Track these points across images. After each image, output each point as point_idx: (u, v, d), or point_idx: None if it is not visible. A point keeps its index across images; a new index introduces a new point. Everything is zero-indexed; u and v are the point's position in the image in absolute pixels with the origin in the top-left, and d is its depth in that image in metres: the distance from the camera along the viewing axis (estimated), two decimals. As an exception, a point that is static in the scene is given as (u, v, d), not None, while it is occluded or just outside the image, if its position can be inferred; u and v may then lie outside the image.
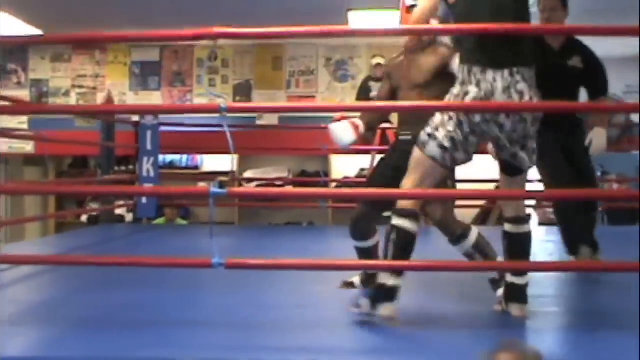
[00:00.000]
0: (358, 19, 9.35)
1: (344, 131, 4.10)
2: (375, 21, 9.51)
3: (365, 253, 4.32)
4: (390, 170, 4.05)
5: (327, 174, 10.40)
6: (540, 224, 10.31)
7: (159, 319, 3.59)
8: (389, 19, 9.38)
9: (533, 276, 4.09)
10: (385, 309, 3.45)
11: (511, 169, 3.57)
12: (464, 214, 9.79)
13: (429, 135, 3.47)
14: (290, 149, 9.83)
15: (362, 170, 10.15)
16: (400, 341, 3.32)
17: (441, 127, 3.45)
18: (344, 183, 10.04)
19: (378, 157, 9.48)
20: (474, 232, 4.00)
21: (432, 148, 3.45)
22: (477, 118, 3.40)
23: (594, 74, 4.69)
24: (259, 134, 9.93)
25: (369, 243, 4.36)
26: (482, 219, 10.00)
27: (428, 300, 4.08)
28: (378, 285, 3.52)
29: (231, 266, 3.43)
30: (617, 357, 3.07)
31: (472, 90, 3.40)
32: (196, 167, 10.99)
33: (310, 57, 11.46)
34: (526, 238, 3.67)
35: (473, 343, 3.02)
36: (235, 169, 10.13)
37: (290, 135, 9.67)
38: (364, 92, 9.48)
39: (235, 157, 10.01)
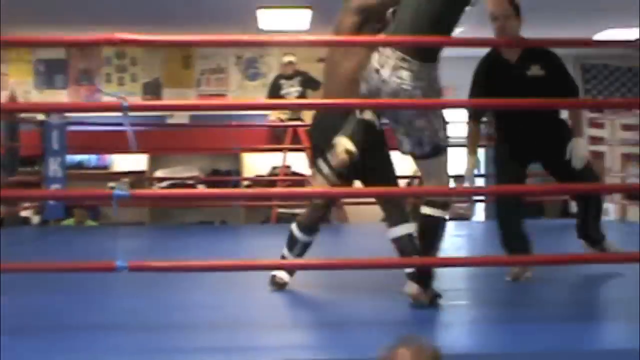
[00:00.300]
0: (267, 17, 9.31)
1: None
2: (285, 20, 9.50)
3: None
4: None
5: (239, 173, 10.34)
6: (449, 219, 10.47)
7: (64, 324, 3.51)
8: (298, 17, 9.39)
9: (442, 271, 4.15)
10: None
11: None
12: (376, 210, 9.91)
13: None
14: (202, 148, 9.74)
15: (274, 168, 10.12)
16: (314, 338, 3.32)
17: None
18: (256, 181, 10.00)
19: (290, 155, 9.54)
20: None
21: None
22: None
23: (557, 80, 4.48)
24: (170, 133, 9.83)
25: None
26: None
27: (342, 297, 4.09)
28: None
29: (135, 269, 3.36)
30: (524, 347, 3.13)
31: (374, 61, 3.64)
32: (106, 167, 10.79)
33: (221, 56, 11.38)
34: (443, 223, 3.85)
35: (381, 338, 3.03)
36: (146, 168, 10.00)
37: (202, 133, 9.56)
38: (274, 90, 9.46)
39: (146, 156, 9.88)
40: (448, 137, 3.78)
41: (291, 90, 9.28)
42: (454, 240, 6.74)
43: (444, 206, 3.83)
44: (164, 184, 9.87)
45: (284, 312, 4.02)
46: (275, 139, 9.48)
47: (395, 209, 4.04)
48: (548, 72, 4.45)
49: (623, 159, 8.86)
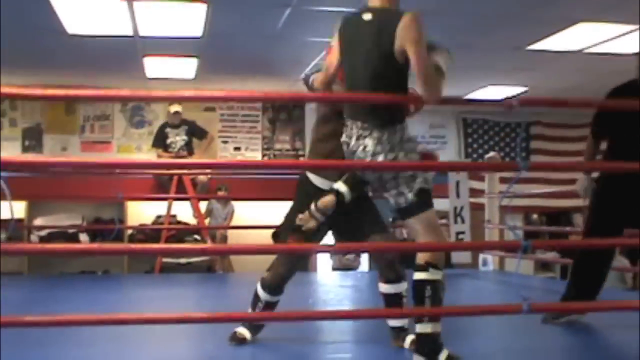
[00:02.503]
0: (154, 65, 9.28)
1: None
2: (171, 68, 9.48)
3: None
4: None
5: (122, 221, 10.13)
6: (335, 268, 10.53)
7: None
8: (184, 65, 9.40)
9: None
10: (444, 355, 3.46)
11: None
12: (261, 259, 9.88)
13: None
14: (85, 196, 9.53)
15: (159, 217, 9.96)
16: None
17: None
18: (140, 230, 9.82)
19: (175, 203, 9.43)
20: None
21: None
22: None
23: None
24: (51, 180, 9.56)
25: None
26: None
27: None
28: (432, 336, 3.47)
29: (7, 324, 3.21)
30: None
31: (344, 136, 3.60)
32: (-19, 215, 10.40)
33: (106, 102, 11.21)
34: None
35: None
36: (23, 216, 9.68)
37: (85, 181, 9.34)
38: (160, 139, 9.38)
39: (24, 203, 9.58)
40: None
41: (177, 139, 9.23)
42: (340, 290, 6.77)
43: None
44: (44, 232, 9.57)
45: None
46: (161, 187, 9.36)
47: (388, 266, 3.97)
48: None
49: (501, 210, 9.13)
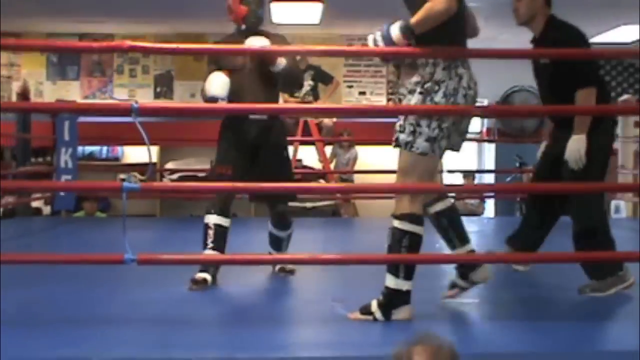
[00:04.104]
0: (280, 11, 9.31)
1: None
2: (297, 13, 9.50)
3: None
4: None
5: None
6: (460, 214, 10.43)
7: (72, 316, 3.48)
8: (310, 10, 9.39)
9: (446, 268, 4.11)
10: (403, 312, 3.42)
11: None
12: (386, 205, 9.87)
13: (412, 132, 3.43)
14: (213, 140, 9.68)
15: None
16: (324, 335, 3.29)
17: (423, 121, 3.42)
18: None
19: (301, 148, 9.50)
20: None
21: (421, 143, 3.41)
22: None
23: (565, 65, 4.15)
24: (181, 125, 9.78)
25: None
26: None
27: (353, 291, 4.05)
28: (392, 291, 3.42)
29: (143, 262, 3.33)
30: (531, 347, 3.10)
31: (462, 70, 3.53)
32: (116, 159, 10.78)
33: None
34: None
35: (394, 335, 3.00)
36: (155, 160, 9.97)
37: (212, 125, 9.49)
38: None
39: (156, 148, 9.85)
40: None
41: (303, 84, 9.26)
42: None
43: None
44: (175, 176, 9.84)
45: (284, 307, 3.99)
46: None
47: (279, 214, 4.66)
48: (554, 61, 4.21)
49: (635, 156, 8.80)
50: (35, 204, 9.32)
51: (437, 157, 3.53)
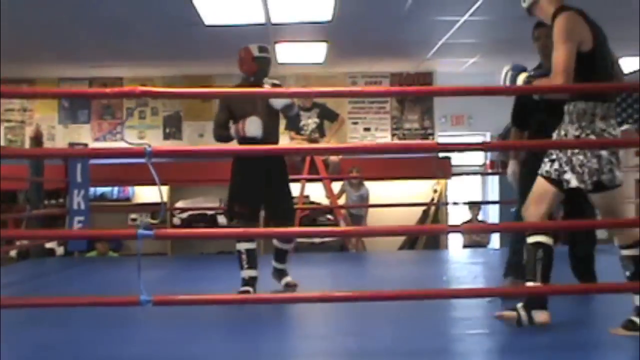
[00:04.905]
0: (285, 51, 9.39)
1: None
2: (300, 52, 9.59)
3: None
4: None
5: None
6: (465, 246, 10.42)
7: (88, 357, 3.48)
8: (314, 50, 9.46)
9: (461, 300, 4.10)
10: (542, 315, 3.70)
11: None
12: (393, 238, 9.87)
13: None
14: (221, 179, 9.70)
15: (293, 198, 10.05)
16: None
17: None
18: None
19: (309, 185, 9.52)
20: None
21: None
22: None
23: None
24: (190, 166, 9.81)
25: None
26: (410, 243, 10.04)
27: (364, 327, 4.05)
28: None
29: (159, 303, 3.34)
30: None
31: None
32: (127, 199, 10.79)
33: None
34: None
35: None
36: (166, 199, 9.99)
37: (220, 165, 9.53)
38: (292, 122, 9.47)
39: (166, 188, 9.88)
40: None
41: (309, 122, 9.28)
42: (472, 267, 6.70)
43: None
44: (185, 214, 9.86)
45: (310, 341, 3.99)
46: (294, 168, 9.47)
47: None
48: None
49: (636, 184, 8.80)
50: (48, 245, 9.34)
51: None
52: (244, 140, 5.17)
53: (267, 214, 5.49)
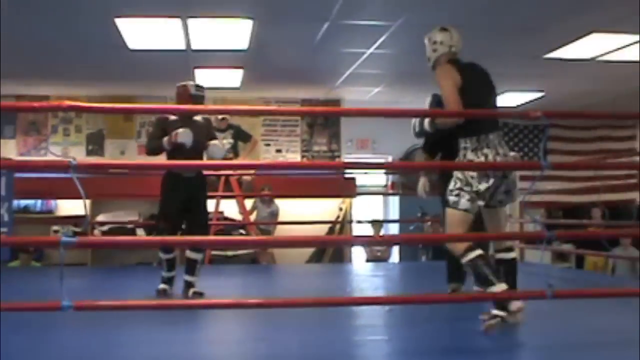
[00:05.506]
0: (203, 76, 9.36)
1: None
2: (219, 78, 9.57)
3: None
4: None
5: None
6: (367, 260, 10.54)
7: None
8: (231, 76, 9.47)
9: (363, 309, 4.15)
10: (515, 304, 4.01)
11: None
12: (301, 252, 9.92)
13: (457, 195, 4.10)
14: (141, 194, 9.60)
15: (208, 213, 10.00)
16: None
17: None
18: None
19: (223, 201, 9.49)
20: None
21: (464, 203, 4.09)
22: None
23: None
24: (110, 180, 9.66)
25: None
26: (317, 257, 10.11)
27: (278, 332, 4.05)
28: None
29: (80, 308, 3.29)
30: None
31: (487, 150, 4.11)
32: (50, 212, 10.54)
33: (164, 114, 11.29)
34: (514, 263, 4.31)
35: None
36: (88, 213, 9.78)
37: (140, 180, 9.43)
38: (209, 142, 9.43)
39: (88, 201, 9.68)
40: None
41: (224, 142, 9.27)
42: (373, 280, 6.78)
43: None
44: (105, 227, 9.69)
45: (222, 346, 3.98)
46: (210, 186, 9.40)
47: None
48: None
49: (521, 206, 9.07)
50: (-30, 254, 9.03)
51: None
52: (173, 148, 5.35)
53: (186, 226, 5.59)
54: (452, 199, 4.12)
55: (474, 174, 4.07)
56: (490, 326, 3.95)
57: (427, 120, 4.33)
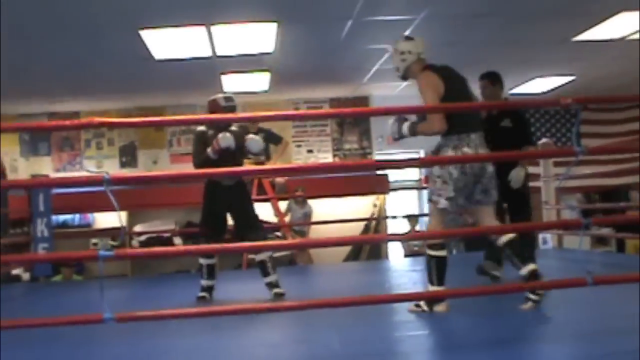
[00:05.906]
0: (230, 81, 9.40)
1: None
2: (245, 81, 9.61)
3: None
4: None
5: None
6: (406, 255, 10.50)
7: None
8: (258, 80, 9.50)
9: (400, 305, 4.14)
10: (441, 306, 4.37)
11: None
12: (338, 251, 9.91)
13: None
14: (176, 203, 9.68)
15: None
16: None
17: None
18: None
19: (257, 204, 9.50)
20: None
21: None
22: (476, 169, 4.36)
23: (521, 130, 5.65)
24: (146, 191, 9.75)
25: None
26: (354, 255, 10.09)
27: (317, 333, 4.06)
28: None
29: (122, 320, 3.33)
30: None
31: (467, 149, 4.32)
32: (88, 225, 10.66)
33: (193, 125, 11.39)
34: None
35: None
36: (124, 224, 9.89)
37: (176, 189, 9.50)
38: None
39: (125, 213, 9.79)
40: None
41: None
42: (412, 275, 6.76)
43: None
44: (143, 237, 9.78)
45: (273, 350, 4.00)
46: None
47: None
48: (515, 124, 5.62)
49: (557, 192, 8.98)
50: (15, 271, 9.17)
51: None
52: (219, 157, 5.41)
53: (237, 231, 5.74)
54: (434, 198, 4.43)
55: (455, 172, 4.30)
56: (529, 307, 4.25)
57: (405, 126, 4.47)
